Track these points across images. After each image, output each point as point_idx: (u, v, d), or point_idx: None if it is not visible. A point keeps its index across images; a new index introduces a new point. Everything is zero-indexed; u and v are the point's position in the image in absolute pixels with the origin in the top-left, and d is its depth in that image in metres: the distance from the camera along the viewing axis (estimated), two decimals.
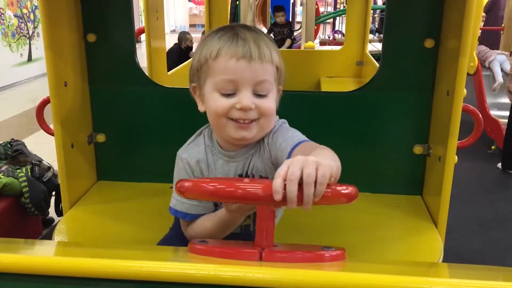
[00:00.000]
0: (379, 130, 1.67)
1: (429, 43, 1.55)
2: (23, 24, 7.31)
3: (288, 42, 7.47)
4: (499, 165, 4.33)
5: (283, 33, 7.56)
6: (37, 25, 7.69)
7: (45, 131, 1.65)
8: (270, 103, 1.06)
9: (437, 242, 1.43)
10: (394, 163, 1.68)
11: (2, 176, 2.76)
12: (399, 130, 1.66)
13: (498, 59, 5.45)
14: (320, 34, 10.00)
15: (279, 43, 7.76)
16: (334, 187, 0.78)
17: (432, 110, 1.60)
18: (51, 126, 1.59)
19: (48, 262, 0.75)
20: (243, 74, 1.01)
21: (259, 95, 1.04)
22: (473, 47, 5.77)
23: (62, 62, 1.54)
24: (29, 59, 7.52)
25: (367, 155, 1.70)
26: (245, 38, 1.02)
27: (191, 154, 1.15)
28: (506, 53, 5.72)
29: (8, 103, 6.00)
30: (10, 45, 7.07)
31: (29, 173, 2.90)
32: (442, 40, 1.53)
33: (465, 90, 1.46)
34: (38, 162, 3.07)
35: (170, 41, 5.39)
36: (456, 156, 1.49)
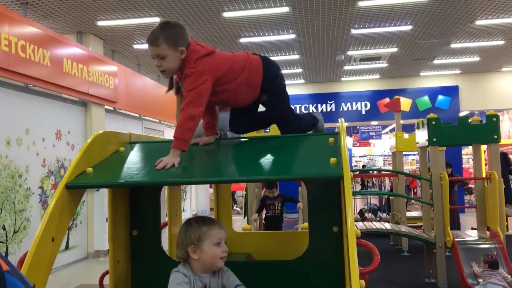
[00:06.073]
0: None
1: (335, 229, 2.56)
2: None
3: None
4: None
5: (274, 205, 7.60)
6: (76, 217, 8.98)
7: None
8: None
9: None
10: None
11: None
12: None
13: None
14: None
15: (271, 220, 7.52)
16: None
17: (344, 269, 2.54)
18: None
19: None
20: (223, 235, 2.14)
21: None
22: (446, 223, 6.69)
23: (118, 248, 2.59)
24: (67, 247, 8.65)
25: None
26: (215, 220, 2.19)
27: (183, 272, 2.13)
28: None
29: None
30: None
31: None
32: (342, 227, 2.54)
33: None
34: None
35: None
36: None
